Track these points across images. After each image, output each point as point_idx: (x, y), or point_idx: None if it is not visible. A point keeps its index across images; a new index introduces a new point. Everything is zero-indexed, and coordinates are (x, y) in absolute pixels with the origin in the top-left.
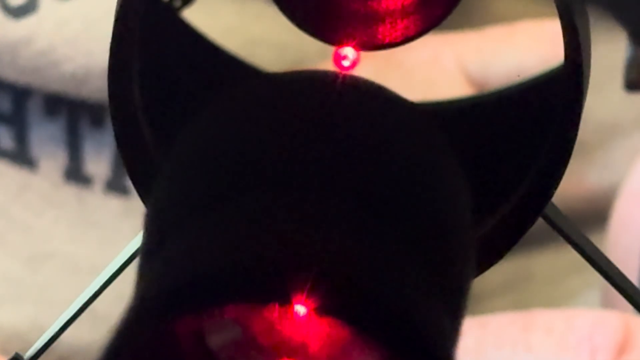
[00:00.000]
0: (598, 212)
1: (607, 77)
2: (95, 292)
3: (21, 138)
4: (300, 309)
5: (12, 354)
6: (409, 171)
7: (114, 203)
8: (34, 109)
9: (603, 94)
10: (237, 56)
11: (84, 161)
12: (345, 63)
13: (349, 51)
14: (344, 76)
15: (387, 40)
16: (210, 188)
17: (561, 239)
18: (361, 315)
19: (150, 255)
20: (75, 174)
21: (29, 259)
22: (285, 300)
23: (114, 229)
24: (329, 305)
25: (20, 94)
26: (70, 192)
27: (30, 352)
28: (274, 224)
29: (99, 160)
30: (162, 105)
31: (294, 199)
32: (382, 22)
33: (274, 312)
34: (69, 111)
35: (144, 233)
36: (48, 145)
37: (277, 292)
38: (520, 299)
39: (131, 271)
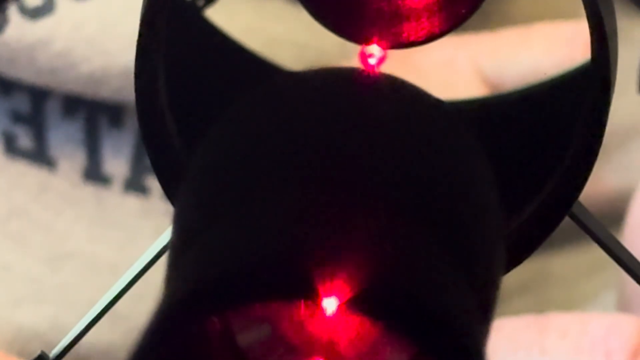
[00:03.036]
0: (617, 214)
1: (626, 79)
2: (120, 292)
3: (40, 138)
4: (329, 307)
5: (32, 355)
6: (441, 171)
7: (133, 203)
8: (53, 109)
9: (622, 96)
10: (260, 55)
11: (102, 161)
12: (372, 61)
13: (374, 49)
14: (372, 73)
15: (411, 39)
16: (237, 187)
17: (579, 240)
18: (391, 312)
19: (178, 254)
20: (94, 174)
21: (49, 259)
22: (314, 298)
23: (133, 229)
24: (359, 302)
25: (38, 95)
26: (89, 192)
27: (56, 350)
28: (302, 222)
29: (118, 160)
30: (187, 103)
31: (321, 197)
32: (406, 20)
33: (302, 310)
34: (88, 111)
35: (172, 232)
36: (67, 146)
37: (306, 290)
38: (538, 300)
39: (152, 272)
